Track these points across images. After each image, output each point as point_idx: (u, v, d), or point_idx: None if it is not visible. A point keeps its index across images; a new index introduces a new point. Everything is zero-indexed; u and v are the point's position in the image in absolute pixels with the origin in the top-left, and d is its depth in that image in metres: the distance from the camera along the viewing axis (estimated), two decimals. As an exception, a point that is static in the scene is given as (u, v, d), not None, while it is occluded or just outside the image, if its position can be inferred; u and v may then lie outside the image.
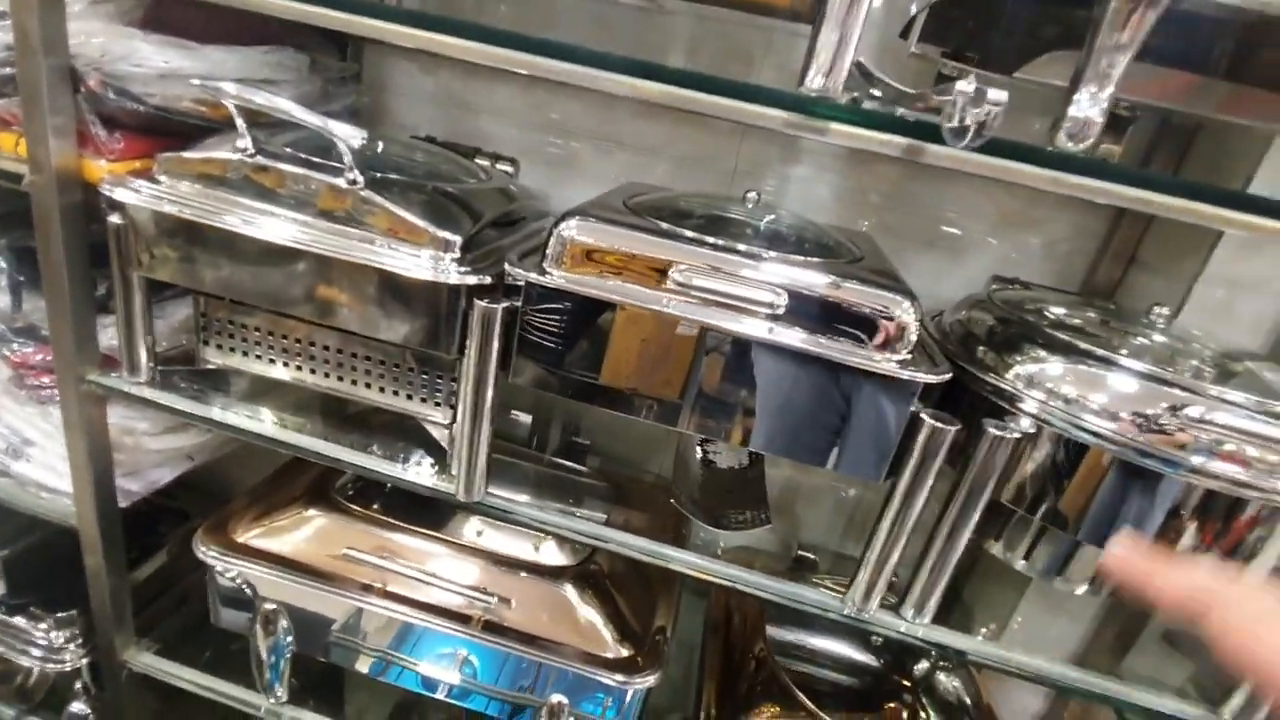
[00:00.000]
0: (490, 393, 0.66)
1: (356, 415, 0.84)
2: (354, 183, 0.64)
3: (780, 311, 0.60)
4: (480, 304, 0.62)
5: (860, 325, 0.61)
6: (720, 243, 0.62)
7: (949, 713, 0.96)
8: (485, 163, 0.91)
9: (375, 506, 0.92)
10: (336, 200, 0.65)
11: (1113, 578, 0.42)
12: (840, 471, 0.63)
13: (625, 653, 0.81)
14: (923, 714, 0.98)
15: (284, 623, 0.86)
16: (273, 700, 0.92)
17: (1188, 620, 0.35)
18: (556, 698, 0.81)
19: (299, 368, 0.78)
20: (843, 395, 0.60)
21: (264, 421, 0.78)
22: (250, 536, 0.86)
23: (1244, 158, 0.79)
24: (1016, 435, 0.60)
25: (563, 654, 0.80)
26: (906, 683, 1.03)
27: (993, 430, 0.60)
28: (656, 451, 1.15)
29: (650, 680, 0.79)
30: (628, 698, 0.80)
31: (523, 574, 0.84)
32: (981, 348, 0.69)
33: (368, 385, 0.77)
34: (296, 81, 0.89)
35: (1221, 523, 0.57)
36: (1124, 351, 0.62)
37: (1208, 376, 0.60)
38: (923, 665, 1.03)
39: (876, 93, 0.59)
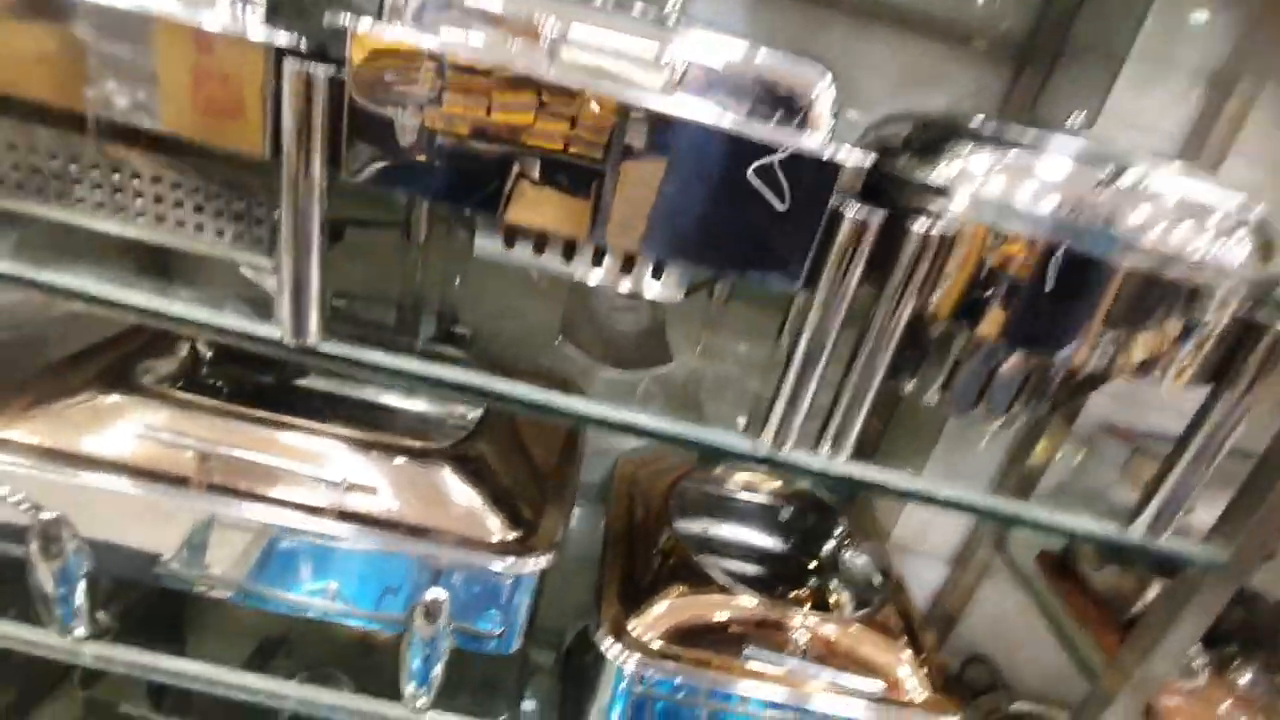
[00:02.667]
0: (317, 195, 0.51)
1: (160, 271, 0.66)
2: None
3: (682, 79, 0.50)
4: (293, 66, 0.47)
5: (774, 101, 0.51)
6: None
7: (858, 588, 0.93)
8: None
9: (195, 394, 0.75)
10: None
11: None
12: (752, 279, 0.54)
13: (512, 536, 0.70)
14: (833, 593, 0.95)
15: (71, 539, 0.68)
16: (70, 638, 0.73)
17: None
18: (432, 594, 0.69)
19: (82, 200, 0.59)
20: (755, 184, 0.51)
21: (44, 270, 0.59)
22: (14, 428, 0.67)
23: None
24: (941, 233, 0.53)
25: (437, 539, 0.68)
26: (814, 564, 0.99)
27: (918, 229, 0.53)
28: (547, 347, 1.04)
29: (542, 562, 0.69)
30: (514, 585, 0.70)
31: (388, 457, 0.70)
32: (902, 158, 0.62)
33: (165, 222, 0.60)
34: None
35: (1158, 305, 0.53)
36: (1049, 144, 0.57)
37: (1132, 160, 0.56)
38: (829, 545, 0.99)
39: None
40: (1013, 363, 0.63)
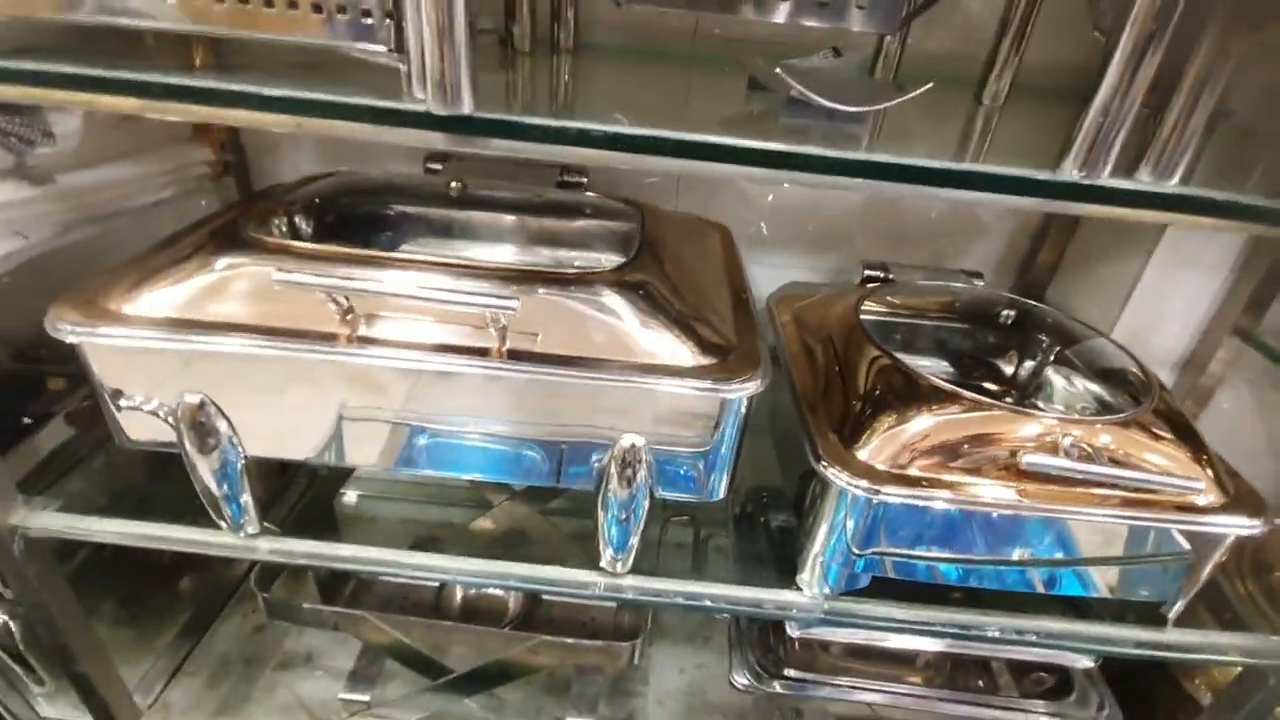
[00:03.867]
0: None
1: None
2: None
3: None
4: None
5: None
6: None
7: (1102, 395, 0.78)
8: None
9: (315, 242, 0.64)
10: None
11: None
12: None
13: (708, 360, 0.59)
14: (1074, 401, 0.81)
15: (221, 421, 0.61)
16: (243, 535, 0.68)
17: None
18: (627, 440, 0.59)
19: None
20: None
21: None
22: (135, 303, 0.58)
23: None
24: None
25: (623, 372, 0.57)
26: (1035, 378, 0.84)
27: None
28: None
29: (750, 387, 0.57)
30: (721, 417, 0.59)
31: (545, 289, 0.58)
32: None
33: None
34: None
35: None
36: None
37: None
38: (1048, 356, 0.84)
39: None
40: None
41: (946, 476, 0.61)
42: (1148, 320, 0.87)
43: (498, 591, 0.99)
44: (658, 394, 0.57)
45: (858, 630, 0.71)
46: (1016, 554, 0.63)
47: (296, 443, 0.63)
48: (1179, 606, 0.68)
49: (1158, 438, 0.62)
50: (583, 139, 0.46)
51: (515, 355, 0.57)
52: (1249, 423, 0.91)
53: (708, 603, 0.68)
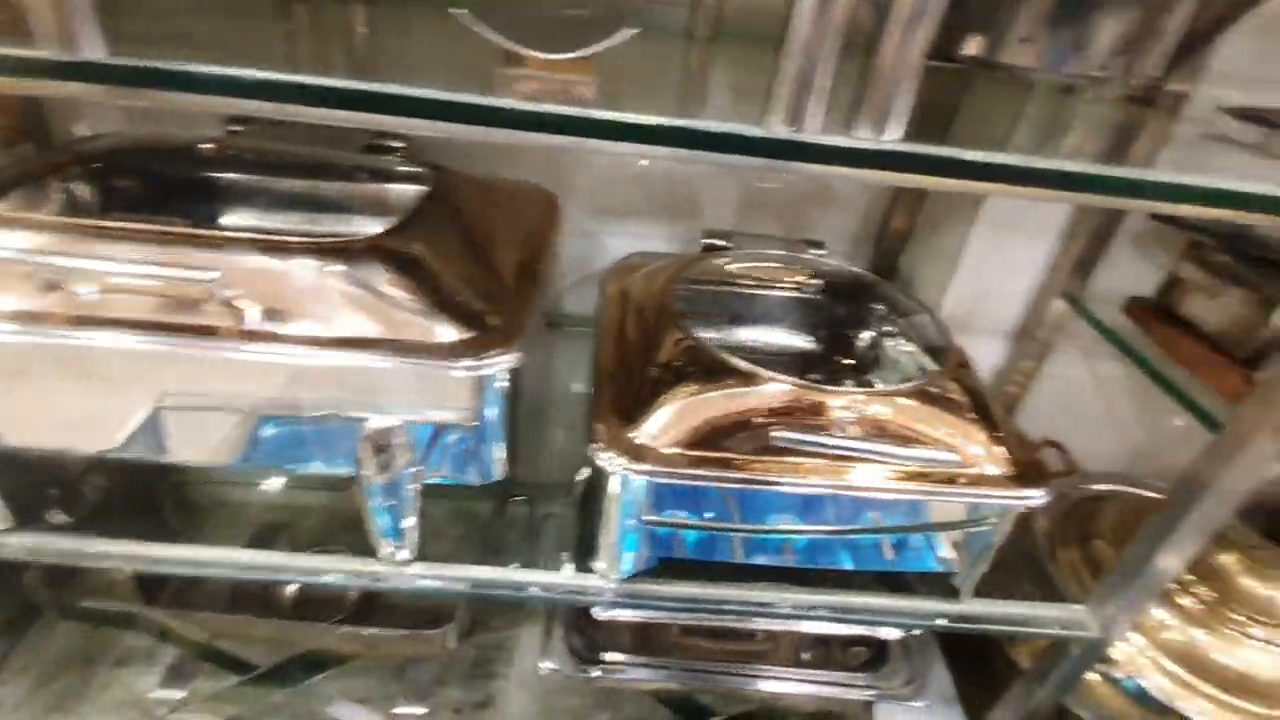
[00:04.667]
0: None
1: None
2: None
3: None
4: None
5: None
6: None
7: (911, 370, 0.77)
8: None
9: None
10: None
11: None
12: None
13: (466, 335, 0.55)
14: (881, 379, 0.80)
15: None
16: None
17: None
18: (380, 421, 0.55)
19: None
20: None
21: None
22: None
23: None
24: None
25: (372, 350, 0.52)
26: (855, 355, 0.83)
27: None
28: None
29: (505, 361, 0.54)
30: (484, 395, 0.55)
31: (279, 258, 0.53)
32: None
33: None
34: None
35: None
36: None
37: None
38: (870, 331, 0.83)
39: None
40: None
41: (724, 454, 0.58)
42: (979, 288, 0.86)
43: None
44: (398, 372, 0.53)
45: (657, 612, 0.69)
46: (800, 527, 0.62)
47: (20, 431, 0.57)
48: (972, 578, 0.67)
49: (940, 410, 0.61)
50: (261, 90, 0.41)
51: (242, 333, 0.52)
52: (1080, 389, 0.91)
53: (500, 590, 0.65)
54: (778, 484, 0.56)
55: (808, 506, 0.61)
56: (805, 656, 0.82)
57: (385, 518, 0.60)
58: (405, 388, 0.54)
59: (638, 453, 0.57)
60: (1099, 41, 0.49)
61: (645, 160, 0.93)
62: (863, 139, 0.42)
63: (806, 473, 0.56)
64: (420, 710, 0.86)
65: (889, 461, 0.56)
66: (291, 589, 0.96)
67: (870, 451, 0.54)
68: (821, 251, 0.88)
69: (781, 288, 0.83)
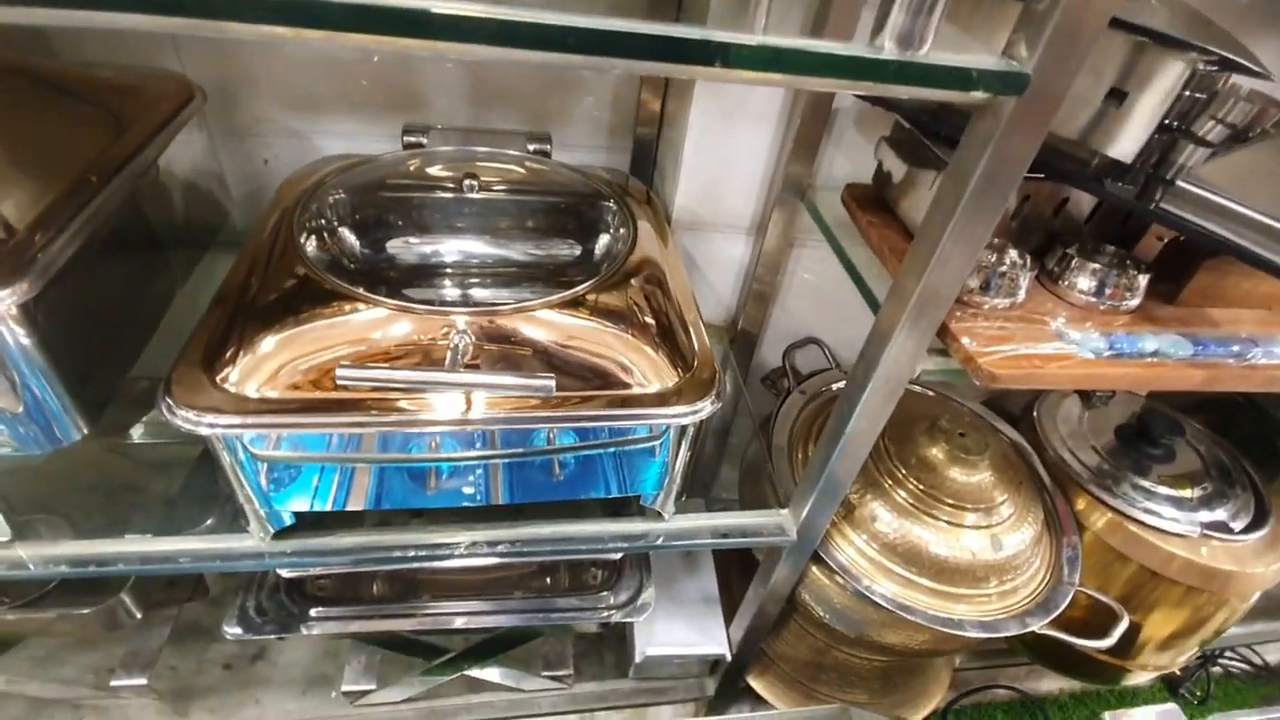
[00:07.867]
0: None
1: None
2: None
3: None
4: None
5: None
6: None
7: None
8: None
9: None
10: None
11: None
12: None
13: None
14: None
15: None
16: None
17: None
18: None
19: None
20: None
21: None
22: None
23: None
24: None
25: None
26: (570, 272, 0.75)
27: None
28: None
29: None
30: None
31: None
32: None
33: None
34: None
35: None
36: None
37: None
38: (574, 243, 0.74)
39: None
40: None
41: (326, 395, 0.51)
42: (708, 179, 0.79)
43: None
44: None
45: (327, 566, 0.63)
46: (428, 456, 0.56)
47: None
48: (668, 495, 0.64)
49: (594, 321, 0.54)
50: None
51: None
52: (834, 282, 0.87)
53: (145, 564, 0.58)
54: (364, 425, 0.50)
55: (446, 441, 0.55)
56: (547, 581, 0.79)
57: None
58: None
59: (221, 403, 0.49)
60: None
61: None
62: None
63: (388, 409, 0.49)
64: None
65: (475, 387, 0.49)
66: None
67: (453, 382, 0.47)
68: (547, 145, 0.78)
69: (485, 190, 0.73)
